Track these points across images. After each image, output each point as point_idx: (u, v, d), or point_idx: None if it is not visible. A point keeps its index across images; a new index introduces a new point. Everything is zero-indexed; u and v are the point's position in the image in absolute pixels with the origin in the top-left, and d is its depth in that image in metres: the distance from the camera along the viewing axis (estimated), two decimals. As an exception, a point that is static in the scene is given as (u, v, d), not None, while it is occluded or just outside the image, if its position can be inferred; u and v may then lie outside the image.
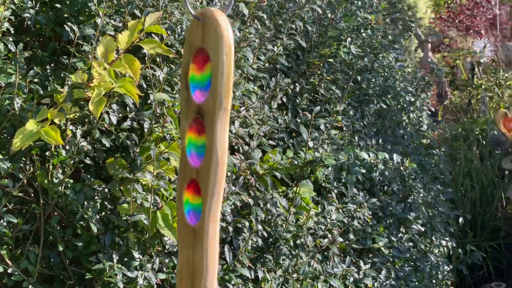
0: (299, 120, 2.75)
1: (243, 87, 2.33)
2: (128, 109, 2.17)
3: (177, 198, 1.30)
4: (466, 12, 11.75)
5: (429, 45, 12.36)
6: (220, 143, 1.24)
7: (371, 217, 2.63)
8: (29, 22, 2.21)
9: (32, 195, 2.10)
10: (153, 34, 2.17)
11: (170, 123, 2.09)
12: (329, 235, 2.64)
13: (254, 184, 2.35)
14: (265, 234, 2.38)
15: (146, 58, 2.14)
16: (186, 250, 1.28)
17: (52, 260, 2.10)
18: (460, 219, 3.50)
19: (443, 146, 3.78)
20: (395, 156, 2.39)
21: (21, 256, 2.05)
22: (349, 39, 2.66)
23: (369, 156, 2.38)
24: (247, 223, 2.28)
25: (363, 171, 2.37)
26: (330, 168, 2.46)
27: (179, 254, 1.32)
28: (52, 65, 2.22)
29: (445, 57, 11.84)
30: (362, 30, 2.64)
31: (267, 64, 2.64)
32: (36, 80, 2.12)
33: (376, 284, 2.79)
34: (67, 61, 2.12)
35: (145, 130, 2.10)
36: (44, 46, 2.30)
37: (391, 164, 2.37)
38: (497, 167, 6.33)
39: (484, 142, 6.69)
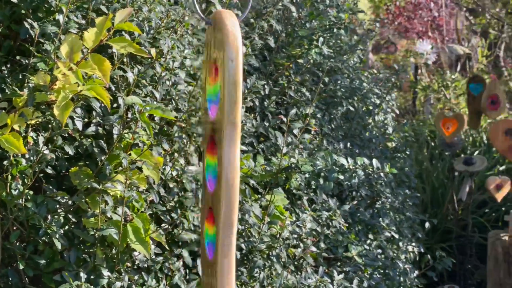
0: (267, 124, 2.62)
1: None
2: (94, 113, 2.00)
3: (200, 229, 1.15)
4: (404, 14, 11.83)
5: (370, 47, 12.41)
6: (231, 163, 1.09)
7: (346, 225, 2.51)
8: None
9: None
10: (123, 32, 1.99)
11: (142, 129, 1.92)
12: (301, 244, 2.52)
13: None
14: (240, 246, 2.24)
15: (115, 58, 1.96)
16: (208, 280, 1.13)
17: (10, 278, 1.91)
18: (427, 224, 3.43)
19: (408, 149, 3.70)
20: (374, 161, 2.27)
21: (-24, 276, 1.86)
22: (321, 38, 2.53)
23: (348, 162, 2.26)
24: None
25: (341, 177, 2.26)
26: (305, 175, 2.33)
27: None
28: (8, 65, 2.03)
29: (382, 58, 11.90)
30: (335, 30, 2.52)
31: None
32: (-9, 81, 1.93)
33: (348, 295, 2.68)
34: (26, 61, 1.94)
35: (114, 136, 1.93)
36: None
37: (370, 170, 2.25)
38: (447, 168, 6.32)
39: (433, 144, 6.69)
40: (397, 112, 3.75)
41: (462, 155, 6.09)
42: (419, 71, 8.95)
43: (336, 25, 2.51)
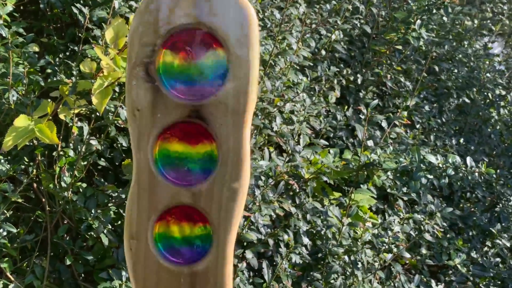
0: (362, 117, 2.39)
1: (285, 78, 2.00)
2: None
3: (131, 237, 1.00)
4: None
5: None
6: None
7: (442, 230, 2.23)
8: (41, 6, 1.95)
9: (43, 200, 1.85)
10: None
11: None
12: (394, 249, 2.27)
13: (298, 190, 2.01)
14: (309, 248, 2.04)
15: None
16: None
17: (61, 274, 1.85)
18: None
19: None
20: (468, 159, 1.99)
21: (26, 270, 1.81)
22: (418, 21, 2.26)
23: (437, 159, 1.99)
24: (285, 236, 1.94)
25: (430, 176, 1.99)
26: (389, 173, 2.09)
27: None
28: (67, 53, 1.97)
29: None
30: (434, 10, 2.24)
31: (323, 52, 2.29)
32: (49, 70, 1.88)
33: (451, 309, 2.40)
34: (75, 48, 1.87)
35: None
36: (62, 33, 2.05)
37: (463, 168, 1.97)
38: None
39: None
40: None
41: None
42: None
43: (434, 5, 2.23)
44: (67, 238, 1.86)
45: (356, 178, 2.09)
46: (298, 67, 2.09)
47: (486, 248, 2.73)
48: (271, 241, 2.01)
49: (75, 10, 1.82)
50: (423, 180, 2.06)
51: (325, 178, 2.02)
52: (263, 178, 1.96)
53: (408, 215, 2.31)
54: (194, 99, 0.96)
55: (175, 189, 0.97)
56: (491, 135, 2.84)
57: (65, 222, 1.84)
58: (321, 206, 2.05)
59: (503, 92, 2.96)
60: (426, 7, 2.25)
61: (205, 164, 0.97)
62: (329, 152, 2.11)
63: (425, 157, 2.01)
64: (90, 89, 1.75)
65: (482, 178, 2.30)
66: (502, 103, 2.97)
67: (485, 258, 2.65)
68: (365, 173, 2.07)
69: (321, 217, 2.06)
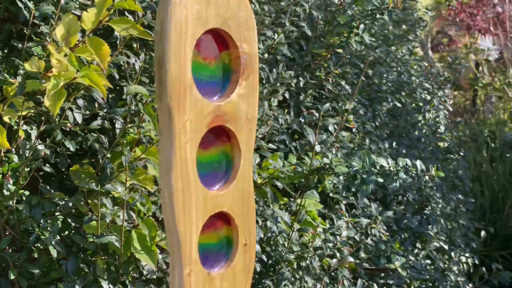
0: (302, 120, 2.36)
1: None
2: (97, 105, 1.78)
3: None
4: (467, 10, 11.39)
5: (429, 44, 12.02)
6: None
7: (388, 233, 2.24)
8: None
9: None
10: (126, 12, 1.77)
11: (148, 122, 1.69)
12: (338, 254, 2.25)
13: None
14: (264, 257, 1.99)
15: (118, 42, 1.74)
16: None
17: (2, 289, 1.71)
18: (482, 232, 3.11)
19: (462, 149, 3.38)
20: (418, 163, 1.99)
21: (-37, 286, 1.66)
22: (362, 25, 2.26)
23: (388, 163, 1.98)
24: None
25: (381, 180, 1.98)
26: (340, 177, 2.07)
27: None
28: (6, 51, 1.83)
29: (443, 56, 11.50)
30: (377, 16, 2.25)
31: (266, 55, 2.24)
32: (-15, 69, 1.73)
33: (390, 311, 2.41)
34: (20, 45, 1.73)
35: (117, 130, 1.71)
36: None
37: (414, 172, 1.97)
38: (508, 171, 5.95)
39: (493, 145, 6.32)
40: (450, 109, 3.44)
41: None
42: (480, 68, 8.55)
43: (379, 10, 2.23)
44: (9, 251, 1.72)
45: (306, 183, 2.06)
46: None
47: (416, 250, 2.78)
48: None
49: (20, 5, 1.69)
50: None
51: (278, 183, 1.98)
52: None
53: (351, 219, 2.31)
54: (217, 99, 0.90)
55: (211, 194, 0.91)
56: (421, 138, 2.89)
57: (7, 233, 1.71)
58: (272, 211, 2.01)
59: (429, 97, 3.03)
60: (370, 12, 2.25)
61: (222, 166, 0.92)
62: (279, 157, 2.06)
63: (375, 161, 2.01)
64: (39, 90, 1.63)
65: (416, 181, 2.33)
66: (427, 107, 3.03)
67: (416, 261, 2.69)
68: (316, 177, 2.04)
69: (272, 223, 2.02)
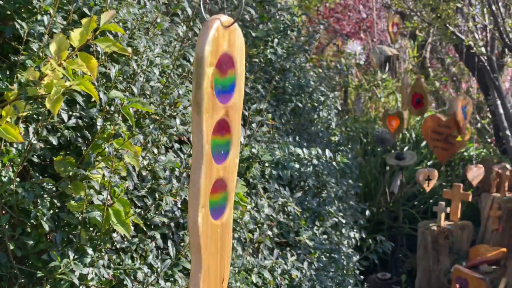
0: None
1: (185, 87, 2.38)
2: (77, 107, 2.18)
3: (202, 206, 1.35)
4: (334, 15, 12.19)
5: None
6: (239, 139, 1.35)
7: (300, 210, 2.75)
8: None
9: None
10: (107, 33, 2.18)
11: (121, 121, 2.11)
12: (257, 229, 2.74)
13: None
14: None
15: (100, 56, 2.15)
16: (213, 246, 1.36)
17: (-1, 259, 2.07)
18: (367, 212, 3.70)
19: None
20: (327, 151, 2.52)
21: (-32, 257, 2.01)
22: (276, 40, 2.76)
23: (303, 152, 2.50)
24: (181, 220, 2.34)
25: (297, 166, 2.49)
26: (261, 165, 2.55)
27: (206, 263, 1.39)
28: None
29: (312, 59, 12.17)
30: (288, 32, 2.75)
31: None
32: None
33: (299, 275, 2.92)
34: (15, 58, 2.10)
35: (98, 127, 2.11)
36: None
37: (324, 159, 2.50)
38: (379, 163, 6.67)
39: (365, 140, 7.04)
40: (340, 108, 4.02)
41: (393, 151, 6.45)
42: (345, 72, 9.30)
43: (290, 28, 2.74)
44: (6, 227, 2.08)
45: (238, 170, 2.53)
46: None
47: (315, 228, 3.32)
48: (172, 224, 2.39)
49: (16, 25, 2.06)
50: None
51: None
52: (167, 172, 2.34)
53: (268, 200, 2.81)
54: (225, 102, 1.36)
55: (218, 167, 1.36)
56: (319, 133, 3.43)
57: (3, 212, 2.07)
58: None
59: (322, 98, 3.58)
60: (282, 28, 2.75)
61: (226, 148, 1.38)
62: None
63: (294, 151, 2.51)
64: (36, 94, 2.01)
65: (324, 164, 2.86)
66: (321, 107, 3.58)
67: (315, 235, 3.23)
68: (246, 165, 2.52)
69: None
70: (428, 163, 6.73)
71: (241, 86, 1.38)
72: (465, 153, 6.76)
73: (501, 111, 4.61)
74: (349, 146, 3.92)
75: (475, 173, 5.41)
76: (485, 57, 4.49)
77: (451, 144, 5.52)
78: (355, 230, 3.55)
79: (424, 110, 6.04)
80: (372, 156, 6.82)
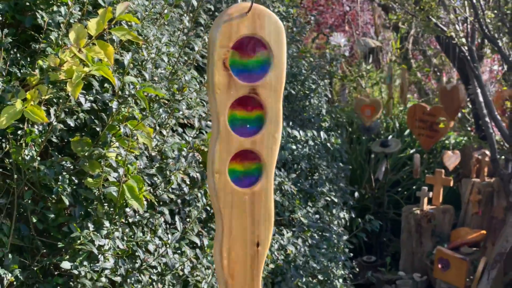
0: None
1: (190, 74, 2.57)
2: (93, 91, 2.35)
3: (217, 172, 1.53)
4: (318, 8, 12.37)
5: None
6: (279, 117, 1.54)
7: (296, 189, 2.94)
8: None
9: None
10: (122, 22, 2.35)
11: (135, 104, 2.29)
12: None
13: (200, 160, 2.59)
14: (208, 208, 2.63)
15: (115, 44, 2.32)
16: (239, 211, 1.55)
17: (22, 232, 2.24)
18: (356, 194, 3.90)
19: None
20: (322, 133, 2.71)
21: (-6, 229, 2.18)
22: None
23: (300, 134, 2.69)
24: (199, 195, 2.52)
25: (294, 147, 2.68)
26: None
27: (227, 225, 1.57)
28: (15, 50, 2.35)
29: (304, 50, 12.33)
30: (284, 23, 2.94)
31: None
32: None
33: (294, 251, 3.12)
34: (36, 46, 2.27)
35: (113, 110, 2.29)
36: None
37: (318, 140, 2.69)
38: (365, 151, 6.89)
39: (350, 129, 7.25)
40: (330, 96, 4.22)
41: (377, 139, 6.66)
42: (334, 62, 9.52)
43: (286, 19, 2.92)
44: (29, 202, 2.26)
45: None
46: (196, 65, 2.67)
47: (308, 208, 3.51)
48: (179, 201, 2.57)
49: (38, 16, 2.23)
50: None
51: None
52: (175, 152, 2.53)
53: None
54: (252, 81, 1.54)
55: (241, 139, 1.54)
56: (311, 119, 3.63)
57: (26, 189, 2.24)
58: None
59: (313, 86, 3.78)
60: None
61: (257, 123, 1.56)
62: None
63: (291, 133, 2.71)
64: (56, 80, 2.19)
65: (315, 147, 3.06)
66: (312, 94, 3.78)
67: (308, 215, 3.43)
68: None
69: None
70: (411, 151, 6.96)
71: (280, 67, 1.54)
72: (446, 141, 7.00)
73: (481, 99, 4.83)
74: (339, 131, 4.13)
75: (452, 158, 5.65)
76: (466, 48, 4.70)
77: (436, 131, 5.75)
78: (344, 211, 3.76)
79: (404, 99, 6.30)
80: (357, 144, 7.03)
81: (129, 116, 2.33)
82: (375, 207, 6.46)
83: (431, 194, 5.73)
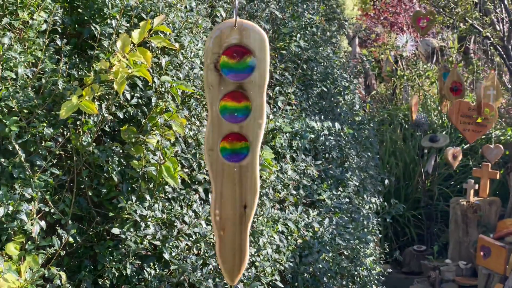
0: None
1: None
2: (138, 89, 2.86)
3: (210, 149, 1.99)
4: (390, 9, 12.67)
5: (357, 40, 13.25)
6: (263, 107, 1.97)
7: (318, 173, 3.37)
8: (57, 23, 2.86)
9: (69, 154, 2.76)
10: (158, 32, 2.85)
11: (170, 100, 2.79)
12: (285, 190, 3.38)
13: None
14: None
15: (154, 50, 2.83)
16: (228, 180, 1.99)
17: (81, 203, 2.77)
18: (386, 181, 4.28)
19: (371, 122, 4.58)
20: (336, 124, 3.14)
21: (59, 201, 2.71)
22: (298, 35, 3.39)
23: (317, 125, 3.12)
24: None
25: (312, 136, 3.12)
26: (285, 136, 3.19)
27: (218, 191, 2.01)
28: (75, 56, 2.89)
29: (371, 51, 12.68)
30: (308, 28, 3.38)
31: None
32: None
33: (321, 229, 3.55)
34: (92, 52, 2.80)
35: (153, 103, 2.79)
36: (66, 42, 2.95)
37: (333, 130, 3.12)
38: (418, 146, 7.21)
39: (406, 126, 7.57)
40: (363, 93, 4.61)
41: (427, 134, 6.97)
42: (399, 62, 9.83)
43: (309, 25, 3.36)
44: (86, 179, 2.78)
45: (264, 139, 3.18)
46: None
47: (339, 193, 3.93)
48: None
49: (92, 28, 2.76)
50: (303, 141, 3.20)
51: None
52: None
53: (293, 165, 3.44)
54: (239, 80, 1.99)
55: (230, 125, 2.00)
56: (341, 114, 4.05)
57: (84, 168, 2.77)
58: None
59: (346, 84, 4.19)
60: (304, 25, 3.38)
61: (244, 112, 2.00)
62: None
63: (309, 123, 3.14)
64: (106, 80, 2.70)
65: (345, 139, 3.48)
66: (346, 92, 4.19)
67: (338, 199, 3.84)
68: (271, 135, 3.16)
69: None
70: (465, 147, 7.22)
71: (263, 68, 1.97)
72: (496, 134, 7.22)
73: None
74: (371, 125, 4.52)
75: (493, 151, 5.91)
76: (501, 46, 5.00)
77: (482, 125, 6.03)
78: (375, 197, 4.15)
79: (461, 97, 6.56)
80: (411, 140, 7.34)
81: (167, 109, 2.83)
82: (426, 199, 6.77)
83: (477, 186, 6.01)
